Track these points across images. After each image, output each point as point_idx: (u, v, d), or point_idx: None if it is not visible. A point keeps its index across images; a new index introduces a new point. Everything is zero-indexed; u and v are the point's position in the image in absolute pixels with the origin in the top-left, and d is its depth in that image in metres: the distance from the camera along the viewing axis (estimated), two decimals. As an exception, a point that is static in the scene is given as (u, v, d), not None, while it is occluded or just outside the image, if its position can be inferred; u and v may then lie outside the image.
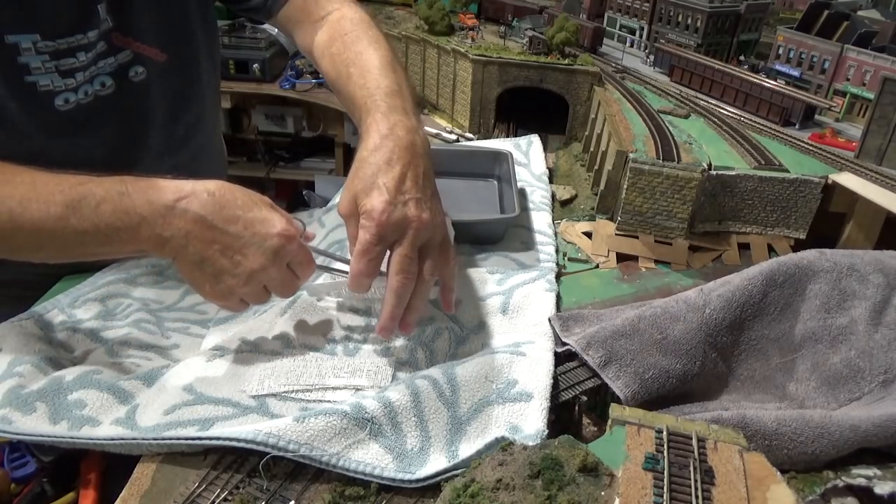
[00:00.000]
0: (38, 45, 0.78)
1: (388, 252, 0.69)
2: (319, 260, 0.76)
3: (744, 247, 1.08)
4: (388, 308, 0.69)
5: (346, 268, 0.76)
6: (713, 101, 1.35)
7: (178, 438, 0.62)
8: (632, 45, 1.68)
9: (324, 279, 0.86)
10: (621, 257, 1.04)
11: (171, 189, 0.65)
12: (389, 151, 0.71)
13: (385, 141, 0.72)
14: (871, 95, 1.20)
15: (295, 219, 0.72)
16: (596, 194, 1.16)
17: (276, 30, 1.66)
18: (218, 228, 0.65)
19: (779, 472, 0.53)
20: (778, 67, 1.41)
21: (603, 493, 0.51)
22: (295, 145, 2.64)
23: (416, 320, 0.72)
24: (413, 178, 0.70)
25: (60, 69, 0.82)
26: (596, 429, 0.70)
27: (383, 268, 0.71)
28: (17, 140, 0.81)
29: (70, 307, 0.85)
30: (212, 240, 0.65)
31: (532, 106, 1.45)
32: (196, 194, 0.65)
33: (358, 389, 0.70)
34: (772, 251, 1.08)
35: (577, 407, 0.71)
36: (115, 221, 0.65)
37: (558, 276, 0.94)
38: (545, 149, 1.31)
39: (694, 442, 0.54)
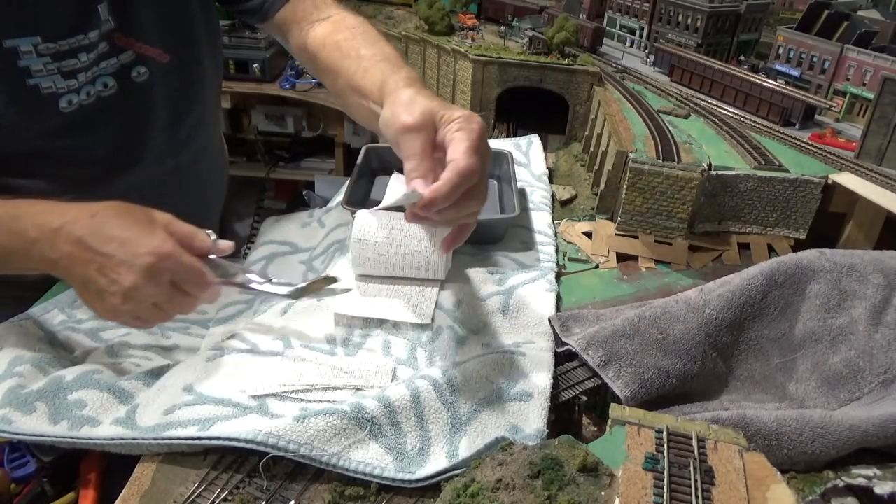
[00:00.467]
0: (38, 48, 0.78)
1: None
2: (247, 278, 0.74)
3: (744, 247, 1.08)
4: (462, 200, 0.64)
5: (269, 288, 0.74)
6: (713, 101, 1.35)
7: (178, 438, 0.62)
8: (632, 45, 1.68)
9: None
10: (621, 257, 1.04)
11: (58, 212, 0.68)
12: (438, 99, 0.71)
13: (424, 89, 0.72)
14: (871, 95, 1.20)
15: (205, 231, 0.71)
16: (596, 194, 1.16)
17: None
18: (93, 249, 0.66)
19: (779, 472, 0.53)
20: (778, 67, 1.41)
21: (603, 493, 0.51)
22: (295, 145, 2.64)
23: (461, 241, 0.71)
24: None
25: (62, 70, 0.81)
26: (596, 429, 0.70)
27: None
28: (14, 142, 0.81)
29: (70, 307, 0.85)
30: (89, 260, 0.66)
31: (532, 106, 1.45)
32: (79, 218, 0.67)
33: (358, 389, 0.70)
34: (772, 251, 1.08)
35: (577, 407, 0.71)
36: (9, 243, 0.68)
37: (558, 276, 0.94)
38: (545, 149, 1.30)
39: (694, 442, 0.54)
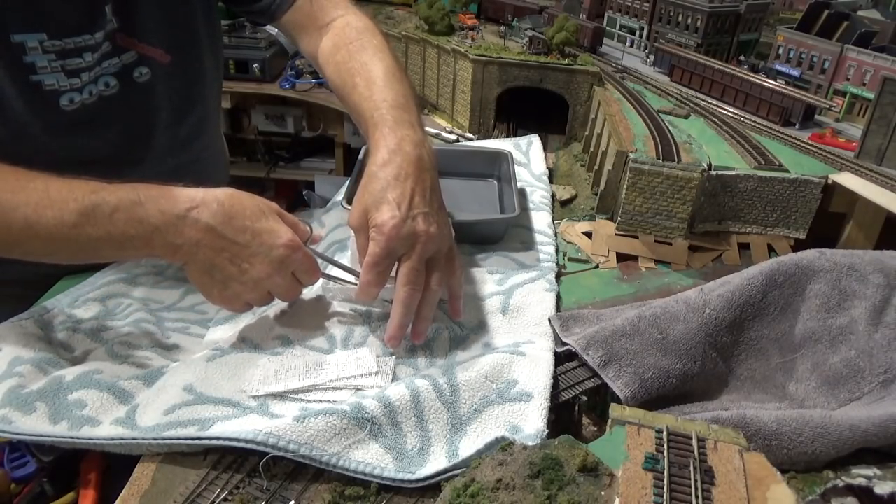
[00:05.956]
0: (44, 45, 0.79)
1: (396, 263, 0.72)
2: (322, 267, 0.79)
3: (744, 247, 1.08)
4: (396, 318, 0.71)
5: (345, 276, 0.80)
6: (713, 101, 1.35)
7: (178, 438, 0.61)
8: (632, 45, 1.68)
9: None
10: (621, 257, 1.04)
11: (182, 198, 0.68)
12: (398, 167, 0.73)
13: (394, 156, 0.74)
14: (871, 95, 1.20)
15: (303, 221, 0.75)
16: (596, 194, 1.16)
17: (277, 30, 1.65)
18: (227, 238, 0.68)
19: (779, 472, 0.53)
20: (778, 67, 1.41)
21: (603, 493, 0.51)
22: (295, 145, 2.64)
23: (427, 329, 0.74)
24: (421, 192, 0.72)
25: (66, 69, 0.82)
26: (596, 429, 0.70)
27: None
28: (20, 138, 0.82)
29: (70, 307, 0.85)
30: (221, 248, 0.68)
31: (532, 106, 1.45)
32: (206, 204, 0.68)
33: (358, 389, 0.70)
34: (772, 251, 1.08)
35: (577, 407, 0.71)
36: (129, 230, 0.67)
37: (558, 276, 0.94)
38: (545, 149, 1.31)
39: (694, 442, 0.54)
